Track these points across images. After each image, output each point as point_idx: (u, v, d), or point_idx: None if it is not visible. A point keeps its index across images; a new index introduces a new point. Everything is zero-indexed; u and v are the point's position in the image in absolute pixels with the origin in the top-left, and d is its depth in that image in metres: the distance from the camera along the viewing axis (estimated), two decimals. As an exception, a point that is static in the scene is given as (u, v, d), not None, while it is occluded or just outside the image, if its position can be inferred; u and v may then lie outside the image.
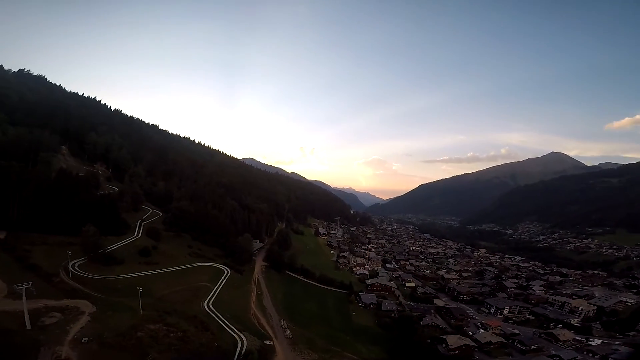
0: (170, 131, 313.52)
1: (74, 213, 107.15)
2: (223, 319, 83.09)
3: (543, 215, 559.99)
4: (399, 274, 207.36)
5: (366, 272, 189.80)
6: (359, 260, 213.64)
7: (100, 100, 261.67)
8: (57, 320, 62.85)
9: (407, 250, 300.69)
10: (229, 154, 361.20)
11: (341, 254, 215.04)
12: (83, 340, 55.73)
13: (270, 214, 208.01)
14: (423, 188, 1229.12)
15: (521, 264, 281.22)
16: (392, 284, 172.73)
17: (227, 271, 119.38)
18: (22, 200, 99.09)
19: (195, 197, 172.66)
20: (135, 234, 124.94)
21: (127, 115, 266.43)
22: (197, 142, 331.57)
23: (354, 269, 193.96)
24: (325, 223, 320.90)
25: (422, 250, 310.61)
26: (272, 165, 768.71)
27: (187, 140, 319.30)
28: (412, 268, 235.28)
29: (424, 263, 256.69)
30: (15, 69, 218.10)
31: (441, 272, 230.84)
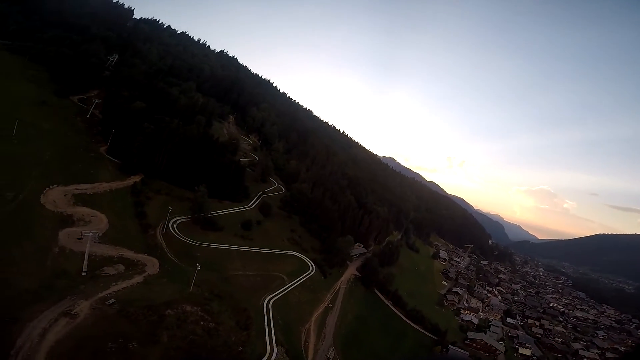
0: (321, 117, 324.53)
1: (201, 171, 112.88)
2: (271, 323, 72.01)
3: None
4: (518, 334, 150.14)
5: (475, 320, 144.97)
6: (474, 302, 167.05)
7: (273, 83, 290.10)
8: (114, 273, 61.62)
9: (544, 305, 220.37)
10: (368, 148, 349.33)
11: (454, 289, 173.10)
12: (108, 302, 53.13)
13: (387, 219, 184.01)
14: (600, 238, 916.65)
15: None
16: (500, 345, 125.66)
17: (312, 269, 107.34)
18: (166, 152, 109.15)
19: (318, 182, 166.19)
20: (250, 204, 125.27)
21: (289, 98, 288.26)
22: (341, 131, 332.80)
23: (461, 311, 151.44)
24: (451, 247, 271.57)
25: (566, 310, 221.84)
26: (412, 169, 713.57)
27: (332, 128, 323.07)
28: (540, 331, 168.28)
29: (559, 328, 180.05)
30: (218, 49, 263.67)
31: (577, 346, 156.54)
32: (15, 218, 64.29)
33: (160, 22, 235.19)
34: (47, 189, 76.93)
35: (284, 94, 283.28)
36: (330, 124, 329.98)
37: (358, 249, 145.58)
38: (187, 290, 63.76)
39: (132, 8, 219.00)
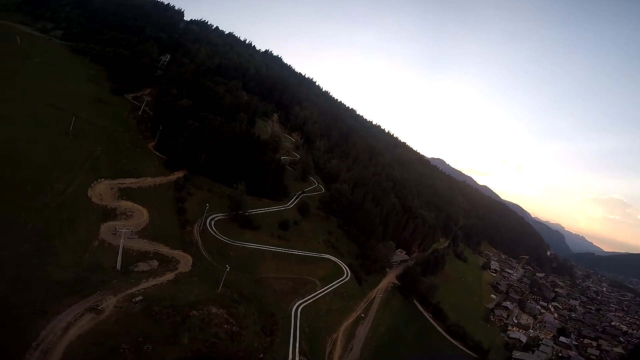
0: (364, 116, 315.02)
1: (241, 169, 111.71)
2: (297, 331, 68.09)
3: None
4: (570, 355, 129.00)
5: (523, 338, 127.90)
6: (525, 319, 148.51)
7: (315, 81, 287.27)
8: (148, 269, 60.55)
9: (604, 324, 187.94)
10: (416, 149, 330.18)
11: (503, 303, 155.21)
12: (135, 299, 52.17)
13: (434, 225, 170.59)
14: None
15: None
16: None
17: (347, 274, 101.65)
18: (208, 149, 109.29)
19: (359, 183, 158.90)
20: (289, 203, 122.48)
21: (331, 96, 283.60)
22: (386, 131, 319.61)
23: (509, 328, 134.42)
24: (503, 257, 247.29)
25: (629, 330, 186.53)
26: (463, 172, 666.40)
27: (376, 127, 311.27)
28: (596, 352, 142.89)
29: (618, 349, 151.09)
30: (263, 49, 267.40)
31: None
32: (62, 210, 66.67)
33: (208, 23, 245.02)
34: (95, 182, 79.89)
35: (326, 93, 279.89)
36: (374, 123, 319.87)
37: (399, 255, 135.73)
38: (215, 291, 61.63)
39: (183, 10, 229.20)
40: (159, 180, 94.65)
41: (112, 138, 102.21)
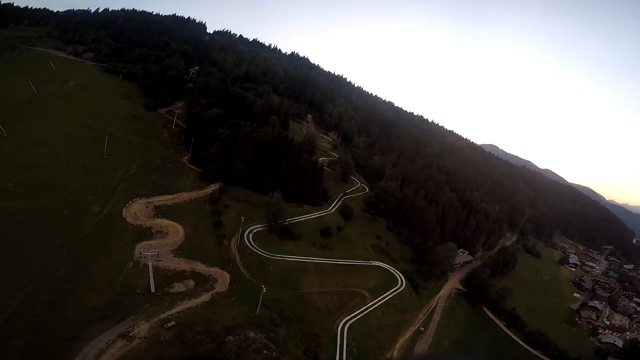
0: (405, 109, 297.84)
1: (278, 175, 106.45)
2: (344, 352, 61.33)
3: None
4: None
5: (619, 342, 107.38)
6: (618, 319, 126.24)
7: (346, 78, 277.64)
8: (183, 290, 56.69)
9: None
10: (465, 136, 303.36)
11: (590, 303, 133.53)
12: (167, 325, 48.80)
13: (500, 219, 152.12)
14: None
15: None
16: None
17: (402, 283, 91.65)
18: (242, 157, 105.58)
19: (408, 179, 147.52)
20: (330, 208, 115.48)
21: (365, 91, 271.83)
22: (430, 120, 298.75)
23: (599, 331, 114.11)
24: (581, 248, 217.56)
25: None
26: (519, 157, 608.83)
27: (419, 118, 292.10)
28: None
29: None
30: (289, 52, 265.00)
31: None
32: (97, 232, 66.39)
33: (232, 32, 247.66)
34: (130, 201, 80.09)
35: (359, 89, 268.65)
36: (416, 114, 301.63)
37: (462, 256, 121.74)
38: (254, 313, 56.53)
39: (204, 22, 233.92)
40: (194, 194, 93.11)
41: (146, 155, 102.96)
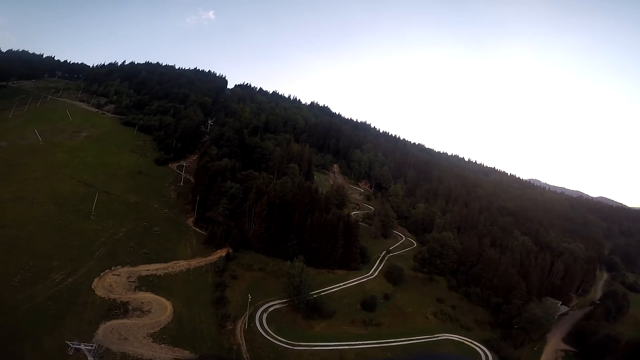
0: (436, 149, 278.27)
1: (301, 235, 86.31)
2: None
3: None
4: None
5: None
6: None
7: (370, 124, 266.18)
8: None
9: None
10: (508, 172, 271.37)
11: None
12: None
13: (589, 259, 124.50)
14: None
15: None
16: None
17: (487, 358, 68.07)
18: (255, 214, 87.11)
19: (465, 226, 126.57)
20: (371, 272, 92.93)
21: (392, 136, 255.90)
22: (466, 159, 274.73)
23: None
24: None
25: None
26: (566, 187, 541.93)
27: (454, 157, 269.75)
28: None
29: None
30: (308, 102, 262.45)
31: None
32: (50, 305, 51.49)
33: (252, 86, 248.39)
34: (108, 270, 65.03)
35: (385, 133, 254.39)
36: (449, 153, 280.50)
37: (558, 308, 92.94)
38: None
39: (225, 76, 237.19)
40: (194, 262, 74.52)
41: (143, 216, 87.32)
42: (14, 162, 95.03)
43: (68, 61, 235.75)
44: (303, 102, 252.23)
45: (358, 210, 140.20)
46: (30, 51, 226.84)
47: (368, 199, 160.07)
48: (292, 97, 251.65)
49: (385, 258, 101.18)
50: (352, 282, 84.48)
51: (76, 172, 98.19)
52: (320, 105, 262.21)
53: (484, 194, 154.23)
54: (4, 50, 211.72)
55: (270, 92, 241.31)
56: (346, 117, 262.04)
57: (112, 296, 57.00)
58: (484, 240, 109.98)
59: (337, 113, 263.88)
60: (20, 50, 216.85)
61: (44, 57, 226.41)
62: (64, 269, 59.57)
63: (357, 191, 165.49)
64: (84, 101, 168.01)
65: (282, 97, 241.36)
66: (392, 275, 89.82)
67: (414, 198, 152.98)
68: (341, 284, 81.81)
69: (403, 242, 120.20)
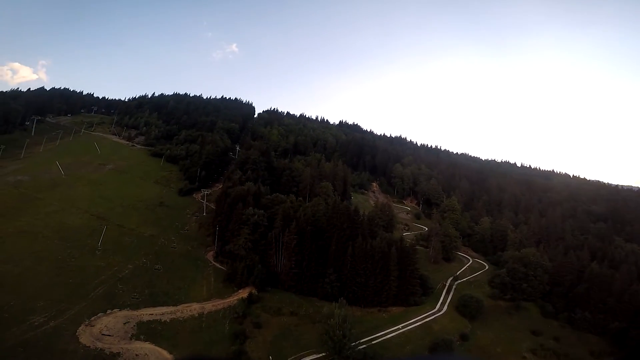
0: (482, 157, 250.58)
1: (340, 268, 69.34)
2: None
3: None
4: None
5: None
6: None
7: (406, 138, 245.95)
8: None
9: None
10: (571, 174, 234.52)
11: None
12: None
13: None
14: None
15: None
16: None
17: None
18: (284, 247, 72.26)
19: (548, 238, 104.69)
20: (438, 306, 75.77)
21: (432, 147, 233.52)
22: (519, 164, 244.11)
23: None
24: None
25: None
26: (628, 185, 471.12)
27: (505, 164, 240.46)
28: None
29: None
30: (337, 122, 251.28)
31: None
32: (19, 353, 44.86)
33: (279, 110, 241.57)
34: (102, 313, 54.36)
35: (424, 146, 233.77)
36: (498, 160, 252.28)
37: None
38: None
39: (252, 102, 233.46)
40: (209, 306, 60.97)
41: (155, 251, 76.30)
42: (31, 197, 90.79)
43: (106, 97, 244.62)
44: (331, 122, 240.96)
45: (408, 231, 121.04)
46: (71, 89, 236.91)
47: (417, 217, 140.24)
48: (319, 119, 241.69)
49: (453, 287, 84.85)
50: (414, 322, 67.44)
51: (92, 205, 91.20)
52: (349, 123, 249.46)
53: (558, 199, 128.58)
54: (47, 88, 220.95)
55: (298, 115, 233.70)
56: (378, 134, 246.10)
57: (99, 345, 47.14)
58: (581, 253, 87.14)
59: (368, 130, 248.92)
60: (61, 87, 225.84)
61: (83, 93, 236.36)
62: (48, 311, 51.98)
63: (403, 210, 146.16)
64: (115, 134, 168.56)
65: (309, 119, 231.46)
66: (467, 308, 73.15)
67: (474, 212, 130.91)
68: (399, 325, 65.51)
69: (471, 265, 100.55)
